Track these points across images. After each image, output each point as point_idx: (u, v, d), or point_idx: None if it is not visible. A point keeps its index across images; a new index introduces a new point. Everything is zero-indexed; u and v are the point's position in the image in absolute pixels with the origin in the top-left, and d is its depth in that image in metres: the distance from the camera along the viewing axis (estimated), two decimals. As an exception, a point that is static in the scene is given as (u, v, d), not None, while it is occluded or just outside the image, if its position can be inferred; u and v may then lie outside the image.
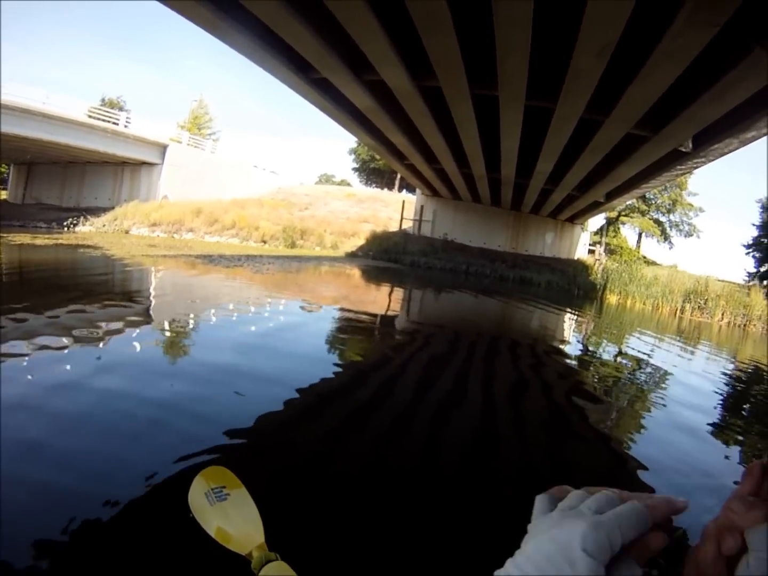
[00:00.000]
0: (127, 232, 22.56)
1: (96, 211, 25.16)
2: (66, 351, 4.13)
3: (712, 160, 13.05)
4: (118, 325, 5.34)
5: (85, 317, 5.42)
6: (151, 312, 6.53)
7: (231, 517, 1.17)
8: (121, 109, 36.08)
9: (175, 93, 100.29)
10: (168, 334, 5.48)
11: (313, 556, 2.04)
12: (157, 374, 3.95)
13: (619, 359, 8.86)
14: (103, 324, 5.19)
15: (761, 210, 33.08)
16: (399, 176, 39.77)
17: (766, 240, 32.38)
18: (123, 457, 2.59)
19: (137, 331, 5.26)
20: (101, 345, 4.54)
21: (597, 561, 0.34)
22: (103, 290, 7.41)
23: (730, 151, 11.94)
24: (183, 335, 5.57)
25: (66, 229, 22.09)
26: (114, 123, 25.14)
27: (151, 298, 7.68)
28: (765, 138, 10.31)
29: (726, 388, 7.46)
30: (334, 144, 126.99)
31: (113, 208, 25.01)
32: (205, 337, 5.59)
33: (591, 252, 32.15)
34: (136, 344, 4.79)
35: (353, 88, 11.44)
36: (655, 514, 0.38)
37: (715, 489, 3.37)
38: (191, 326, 6.01)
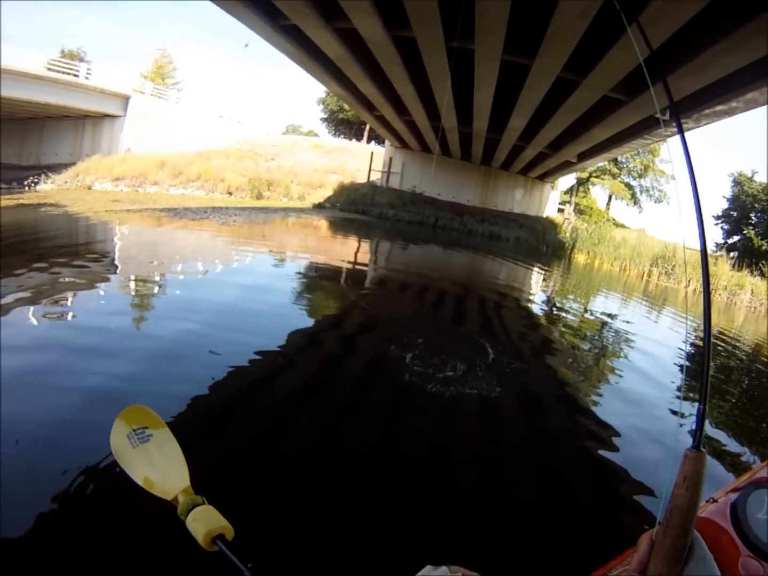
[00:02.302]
0: (89, 187, 21.45)
1: (57, 167, 23.78)
2: (30, 313, 3.98)
3: (689, 130, 12.95)
4: (82, 286, 5.14)
5: (47, 279, 5.18)
6: (116, 271, 6.34)
7: (154, 459, 1.10)
8: (81, 60, 33.69)
9: (139, 43, 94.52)
10: (133, 293, 5.39)
11: (241, 499, 2.11)
12: (122, 334, 3.91)
13: (587, 316, 9.16)
14: (66, 286, 5.01)
15: (732, 184, 33.70)
16: (368, 127, 38.98)
17: (734, 213, 33.17)
18: (82, 418, 2.58)
19: (101, 292, 5.07)
20: (64, 307, 4.39)
21: None
22: (66, 251, 7.07)
23: (706, 123, 11.86)
24: (149, 294, 5.49)
25: (27, 188, 20.91)
26: (74, 75, 23.57)
27: (116, 256, 7.43)
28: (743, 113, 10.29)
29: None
30: (302, 93, 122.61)
31: (75, 163, 23.67)
32: (171, 295, 5.53)
33: (560, 211, 32.30)
34: (101, 304, 4.67)
35: (324, 36, 10.97)
36: None
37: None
38: (157, 285, 5.90)
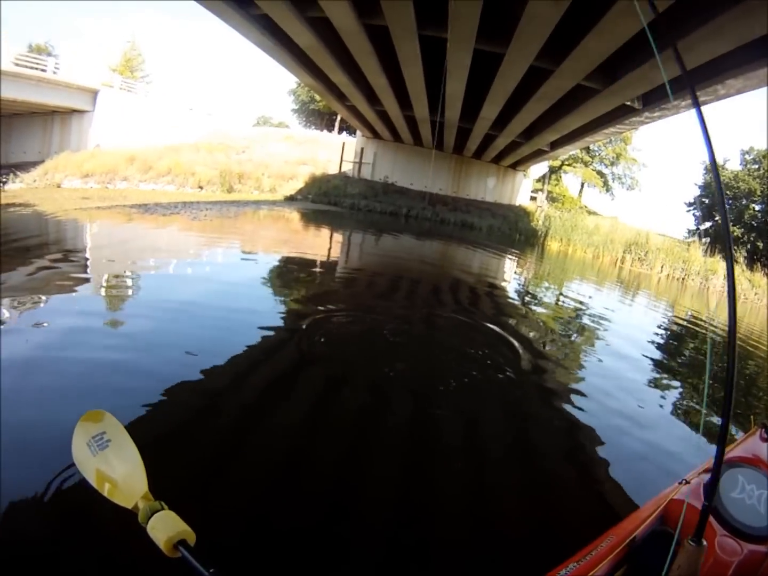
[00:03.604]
0: (59, 185, 20.82)
1: (26, 166, 22.90)
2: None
3: (661, 118, 13.06)
4: (53, 287, 4.99)
5: (17, 281, 5.00)
6: (87, 270, 6.17)
7: (114, 466, 1.11)
8: (49, 54, 32.45)
9: (108, 36, 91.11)
10: (105, 292, 5.29)
11: (203, 502, 2.09)
12: (96, 332, 3.82)
13: (561, 301, 9.34)
14: (36, 287, 4.86)
15: (705, 171, 34.47)
16: (339, 118, 38.62)
17: (706, 200, 33.83)
18: (45, 422, 2.47)
19: (74, 294, 4.88)
20: (35, 310, 4.23)
21: None
22: (36, 252, 6.81)
23: (679, 112, 11.95)
24: (121, 292, 5.41)
25: (-5, 188, 20.23)
26: (42, 70, 22.71)
27: (87, 255, 7.23)
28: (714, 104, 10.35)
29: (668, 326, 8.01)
30: (273, 84, 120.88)
31: (43, 161, 22.90)
32: (144, 293, 5.41)
33: (533, 199, 32.49)
34: (73, 305, 4.50)
35: (295, 25, 10.72)
36: None
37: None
38: (129, 282, 5.78)
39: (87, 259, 6.85)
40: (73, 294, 4.83)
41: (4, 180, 20.86)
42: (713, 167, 0.93)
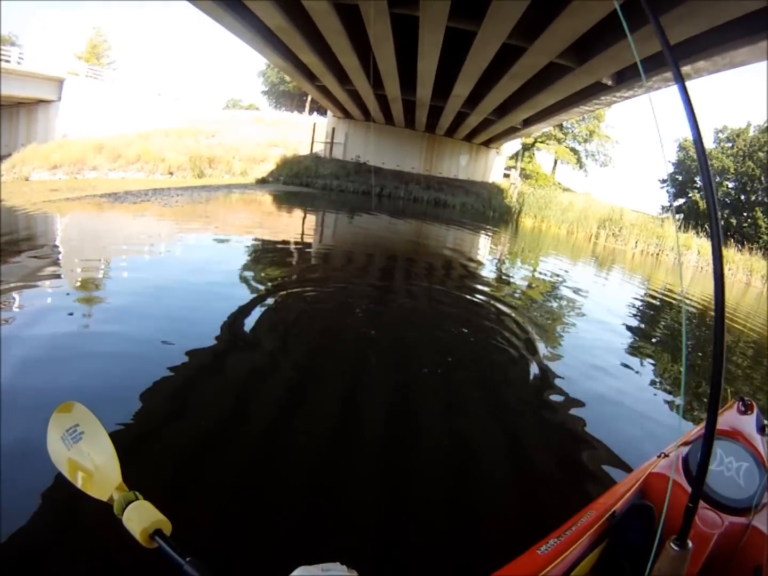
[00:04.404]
0: (27, 179, 20.06)
1: None
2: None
3: (634, 96, 13.13)
4: (26, 282, 4.83)
5: None
6: (59, 264, 6.00)
7: (88, 458, 1.09)
8: (12, 44, 31.09)
9: (72, 23, 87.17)
10: (78, 284, 5.13)
11: (176, 493, 2.10)
12: (70, 324, 3.79)
13: (537, 275, 9.55)
14: (9, 283, 4.67)
15: (678, 149, 34.91)
16: (309, 99, 38.16)
17: (680, 177, 34.46)
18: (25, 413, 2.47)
19: (48, 289, 4.76)
20: (9, 308, 4.09)
21: None
22: (7, 248, 6.56)
23: (652, 90, 12.00)
24: (94, 284, 5.26)
25: (-40, 185, 19.32)
26: (6, 61, 21.75)
27: (59, 248, 7.06)
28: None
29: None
30: (241, 66, 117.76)
31: (10, 154, 22.12)
32: (117, 283, 5.30)
33: (506, 176, 32.67)
34: (47, 301, 4.41)
35: (264, 6, 10.47)
36: None
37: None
38: (102, 274, 5.68)
39: (59, 252, 6.69)
40: (47, 288, 4.72)
41: None
42: (698, 144, 0.89)
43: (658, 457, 1.65)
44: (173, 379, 3.12)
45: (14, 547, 1.77)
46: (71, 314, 4.02)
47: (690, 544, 1.07)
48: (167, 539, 0.88)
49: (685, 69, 9.44)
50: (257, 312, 4.62)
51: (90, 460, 1.08)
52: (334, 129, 27.57)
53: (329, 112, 27.88)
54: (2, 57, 21.93)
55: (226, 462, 2.40)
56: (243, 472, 2.34)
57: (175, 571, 0.80)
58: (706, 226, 23.66)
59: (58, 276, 5.36)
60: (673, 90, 0.93)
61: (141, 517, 0.91)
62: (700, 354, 6.20)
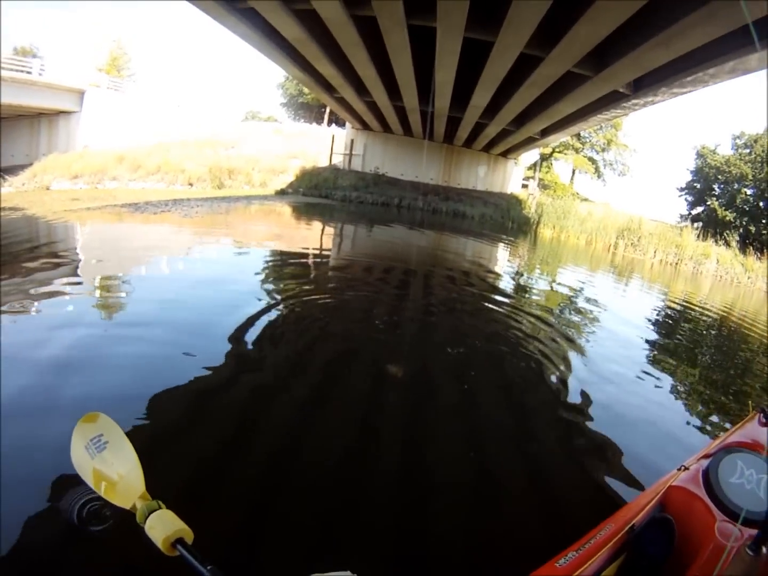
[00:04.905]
0: (48, 188, 20.54)
1: (14, 169, 22.70)
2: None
3: (652, 104, 13.01)
4: (47, 290, 4.87)
5: (10, 285, 4.91)
6: (79, 272, 6.03)
7: (112, 467, 1.12)
8: (34, 56, 32.11)
9: (94, 36, 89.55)
10: (99, 293, 5.19)
11: (198, 502, 2.09)
12: (90, 334, 3.75)
13: (556, 287, 9.46)
14: (30, 291, 4.73)
15: (696, 157, 34.33)
16: (328, 110, 38.53)
17: (698, 185, 33.88)
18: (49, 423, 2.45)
19: (67, 296, 4.80)
20: (30, 314, 4.14)
21: None
22: (28, 255, 6.73)
23: (671, 98, 11.92)
24: (115, 292, 5.32)
25: (-18, 194, 19.91)
26: (27, 72, 22.42)
27: (79, 257, 7.10)
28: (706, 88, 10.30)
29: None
30: (261, 79, 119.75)
31: (32, 164, 22.68)
32: (137, 292, 5.31)
33: (524, 186, 32.59)
34: (69, 309, 4.43)
35: (282, 18, 10.60)
36: None
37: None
38: (123, 282, 5.72)
39: (79, 261, 6.76)
40: (66, 297, 4.76)
41: None
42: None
43: (678, 470, 1.63)
44: (192, 389, 3.13)
45: (35, 552, 1.77)
46: (91, 322, 4.05)
47: (764, 549, 1.06)
48: (189, 548, 0.89)
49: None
50: (276, 324, 4.62)
51: (114, 469, 1.11)
52: (352, 140, 27.78)
53: (348, 124, 28.07)
54: (23, 69, 22.60)
55: (245, 473, 2.39)
56: (261, 484, 2.34)
57: None
58: (725, 234, 23.31)
59: (78, 284, 5.40)
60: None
61: (164, 526, 0.93)
62: (719, 365, 6.07)
